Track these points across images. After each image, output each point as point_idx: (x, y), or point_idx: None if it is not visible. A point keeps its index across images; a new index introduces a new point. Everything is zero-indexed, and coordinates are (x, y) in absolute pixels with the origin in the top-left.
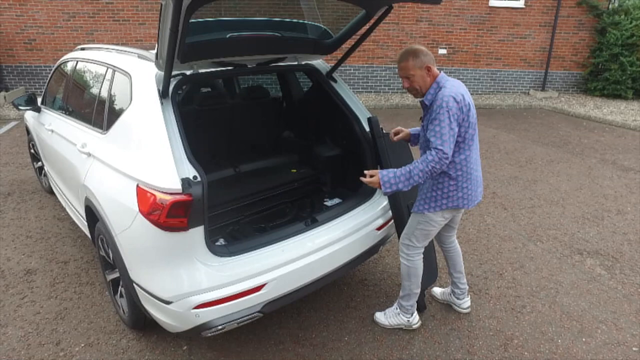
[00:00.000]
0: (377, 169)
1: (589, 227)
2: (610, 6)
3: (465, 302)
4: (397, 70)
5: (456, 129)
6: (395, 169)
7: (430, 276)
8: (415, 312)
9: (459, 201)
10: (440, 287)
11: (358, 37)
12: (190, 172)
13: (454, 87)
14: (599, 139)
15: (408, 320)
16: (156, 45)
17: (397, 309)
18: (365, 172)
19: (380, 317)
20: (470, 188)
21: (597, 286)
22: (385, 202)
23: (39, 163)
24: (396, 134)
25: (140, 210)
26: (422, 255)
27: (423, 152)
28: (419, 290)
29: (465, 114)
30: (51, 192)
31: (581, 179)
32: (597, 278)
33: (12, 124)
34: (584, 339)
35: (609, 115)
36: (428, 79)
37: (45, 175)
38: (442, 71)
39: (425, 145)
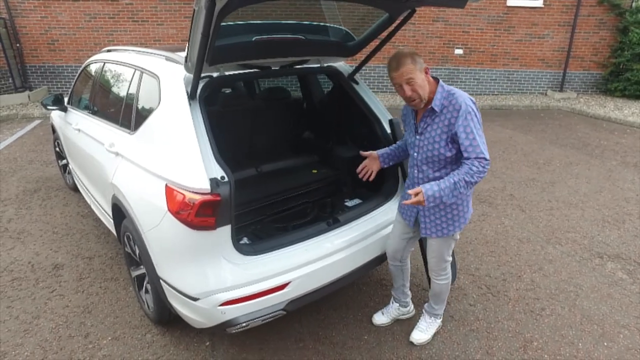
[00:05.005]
0: (397, 171)
1: (610, 230)
2: (634, 4)
3: (411, 306)
4: (392, 79)
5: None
6: (438, 182)
7: (451, 276)
8: None
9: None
10: (378, 311)
11: (380, 39)
12: (218, 172)
13: (463, 92)
14: (619, 140)
15: (441, 321)
16: (186, 49)
17: (430, 318)
18: (409, 191)
19: (420, 335)
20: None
21: (619, 290)
22: None
23: (64, 161)
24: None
25: (169, 209)
26: None
27: (424, 167)
28: None
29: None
30: (75, 190)
31: (601, 181)
32: (619, 282)
33: (36, 122)
34: (605, 344)
35: (630, 116)
36: (427, 84)
37: (69, 173)
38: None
39: (426, 160)
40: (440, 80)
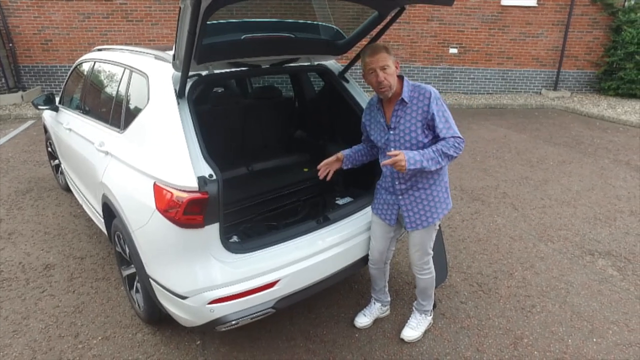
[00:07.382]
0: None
1: (601, 227)
2: (626, 4)
3: (388, 308)
4: (367, 64)
5: None
6: (418, 150)
7: (442, 274)
8: None
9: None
10: (359, 313)
11: (370, 37)
12: (206, 170)
13: (425, 84)
14: (612, 139)
15: (432, 319)
16: (174, 47)
17: (420, 315)
18: (388, 153)
19: (411, 333)
20: None
21: (609, 287)
22: None
23: (56, 161)
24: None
25: (157, 208)
26: None
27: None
28: None
29: None
30: (67, 190)
31: (593, 179)
32: (609, 279)
33: (29, 122)
34: (594, 339)
35: (623, 114)
36: (396, 76)
37: (61, 173)
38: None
39: (403, 148)
40: (405, 76)
